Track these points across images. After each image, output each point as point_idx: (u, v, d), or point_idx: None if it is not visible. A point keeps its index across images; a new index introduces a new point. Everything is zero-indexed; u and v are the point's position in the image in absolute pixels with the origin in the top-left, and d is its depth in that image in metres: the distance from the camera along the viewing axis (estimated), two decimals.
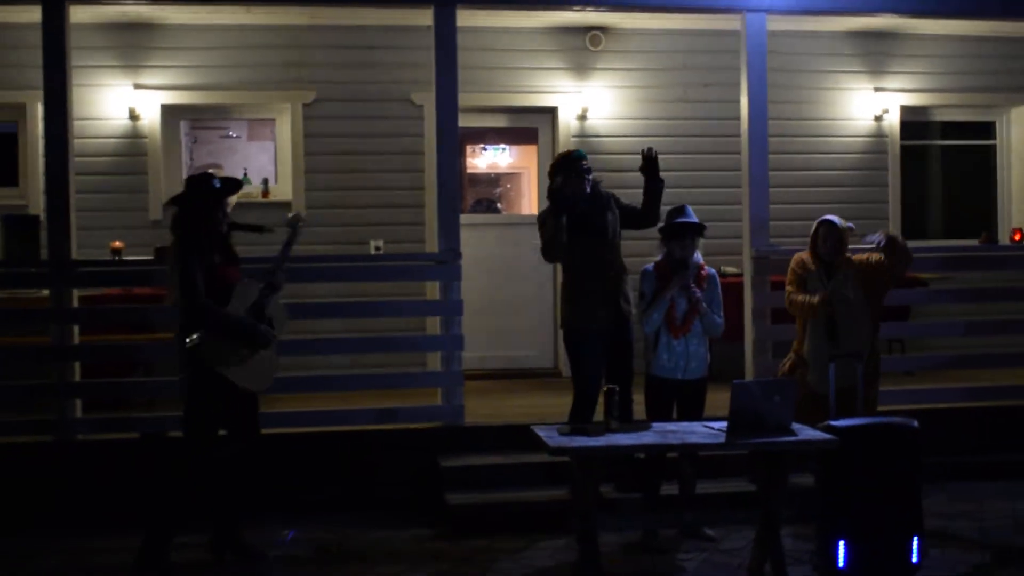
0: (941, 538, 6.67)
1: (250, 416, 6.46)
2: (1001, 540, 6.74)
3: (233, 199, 6.61)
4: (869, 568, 5.90)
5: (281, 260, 6.52)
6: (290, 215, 6.79)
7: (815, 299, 6.86)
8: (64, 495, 7.35)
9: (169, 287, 6.34)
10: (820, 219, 7.08)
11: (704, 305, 6.70)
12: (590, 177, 6.91)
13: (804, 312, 6.95)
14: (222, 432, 6.41)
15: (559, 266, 7.08)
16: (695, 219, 6.74)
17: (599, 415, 6.27)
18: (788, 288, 7.09)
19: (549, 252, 6.93)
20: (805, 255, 7.12)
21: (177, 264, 6.17)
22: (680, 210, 6.78)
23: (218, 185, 6.34)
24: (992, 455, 8.20)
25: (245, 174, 10.21)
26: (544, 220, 6.88)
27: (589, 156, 7.09)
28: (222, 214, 6.34)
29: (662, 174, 6.97)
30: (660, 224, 6.87)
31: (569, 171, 6.88)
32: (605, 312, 6.84)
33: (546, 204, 6.96)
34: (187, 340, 6.11)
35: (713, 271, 6.89)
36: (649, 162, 6.90)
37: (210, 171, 6.69)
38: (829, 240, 6.98)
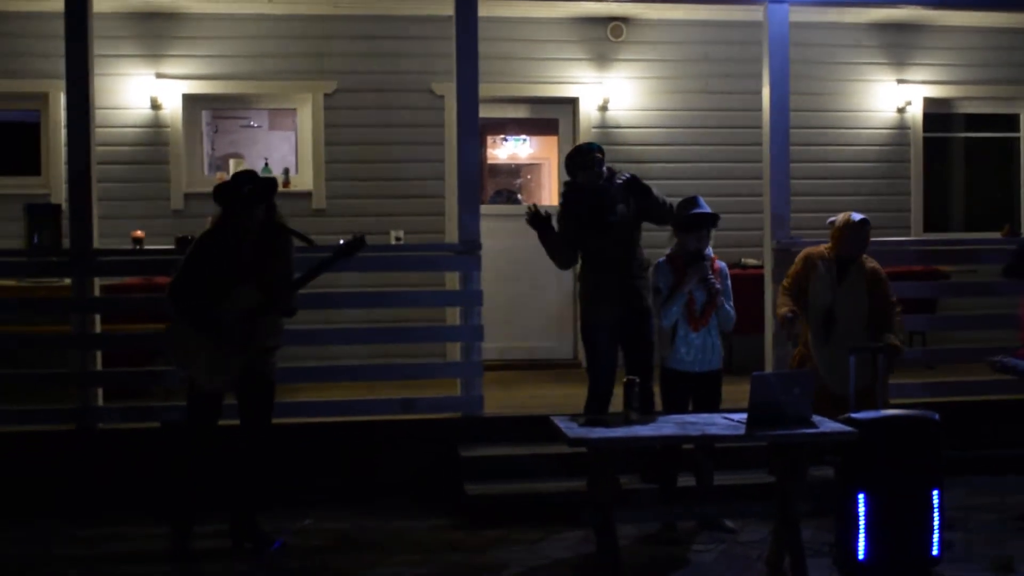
0: (962, 531, 6.64)
1: (256, 408, 6.45)
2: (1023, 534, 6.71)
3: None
4: (889, 561, 5.87)
5: (298, 282, 6.38)
6: (348, 237, 6.51)
7: (783, 311, 6.92)
8: (85, 483, 7.39)
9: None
10: (851, 216, 7.01)
11: (721, 298, 6.68)
12: (603, 169, 6.88)
13: (778, 312, 7.03)
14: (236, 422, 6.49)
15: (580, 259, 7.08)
16: (708, 209, 6.71)
17: (615, 407, 6.27)
18: (784, 282, 7.14)
19: (557, 263, 7.10)
20: (815, 251, 7.08)
21: (187, 251, 6.34)
22: (692, 201, 6.74)
23: (246, 191, 6.25)
24: (1014, 448, 8.16)
25: (266, 164, 10.25)
26: (561, 221, 6.93)
27: (610, 147, 7.08)
28: (247, 221, 6.26)
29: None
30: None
31: (581, 166, 6.88)
32: (618, 305, 6.83)
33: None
34: None
35: (723, 264, 6.85)
36: (630, 184, 6.80)
37: (248, 172, 6.45)
38: (858, 240, 6.96)
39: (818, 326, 6.97)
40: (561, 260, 7.05)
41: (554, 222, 6.98)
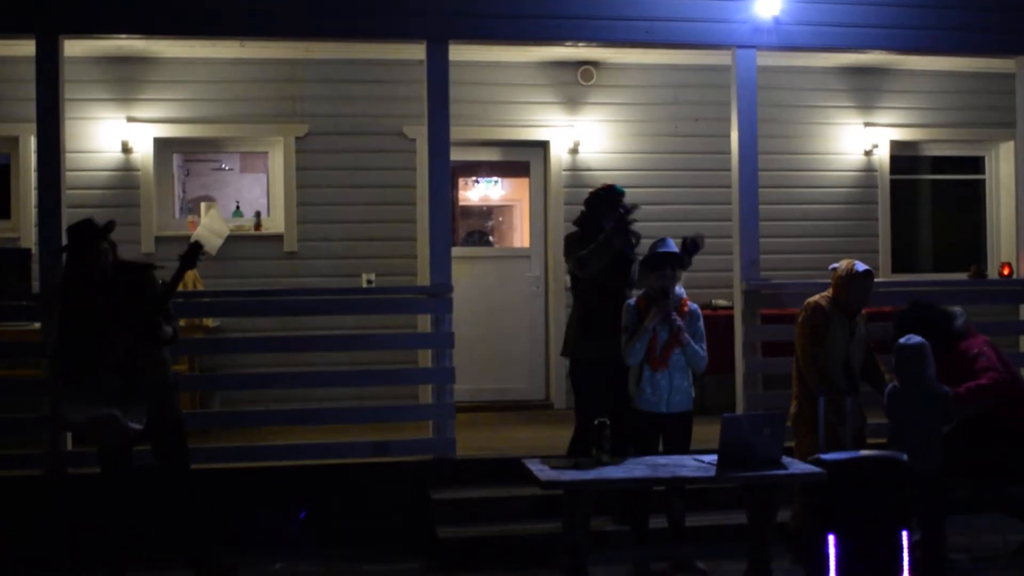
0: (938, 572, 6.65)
1: (172, 452, 6.37)
2: (993, 573, 6.73)
3: (218, 237, 6.52)
4: None
5: (160, 302, 6.20)
6: (183, 250, 6.36)
7: (817, 381, 6.78)
8: (55, 529, 7.31)
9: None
10: (855, 266, 6.93)
11: (686, 335, 6.65)
12: (626, 213, 6.99)
13: (811, 379, 6.82)
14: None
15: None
16: (675, 249, 6.74)
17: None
18: (803, 341, 6.90)
19: (588, 266, 6.99)
20: (822, 301, 6.95)
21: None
22: (661, 242, 6.79)
23: (89, 230, 6.22)
24: (984, 489, 8.17)
25: (237, 207, 10.25)
26: (581, 244, 7.00)
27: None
28: (93, 259, 6.18)
29: (652, 208, 7.04)
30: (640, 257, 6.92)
31: (608, 203, 7.02)
32: (613, 345, 6.86)
33: (569, 229, 7.20)
34: None
35: (695, 306, 6.87)
36: (690, 248, 6.90)
37: (90, 218, 6.42)
38: (865, 291, 6.95)
39: (840, 377, 6.88)
40: (594, 266, 6.99)
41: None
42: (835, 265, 7.05)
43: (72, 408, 6.09)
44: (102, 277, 6.21)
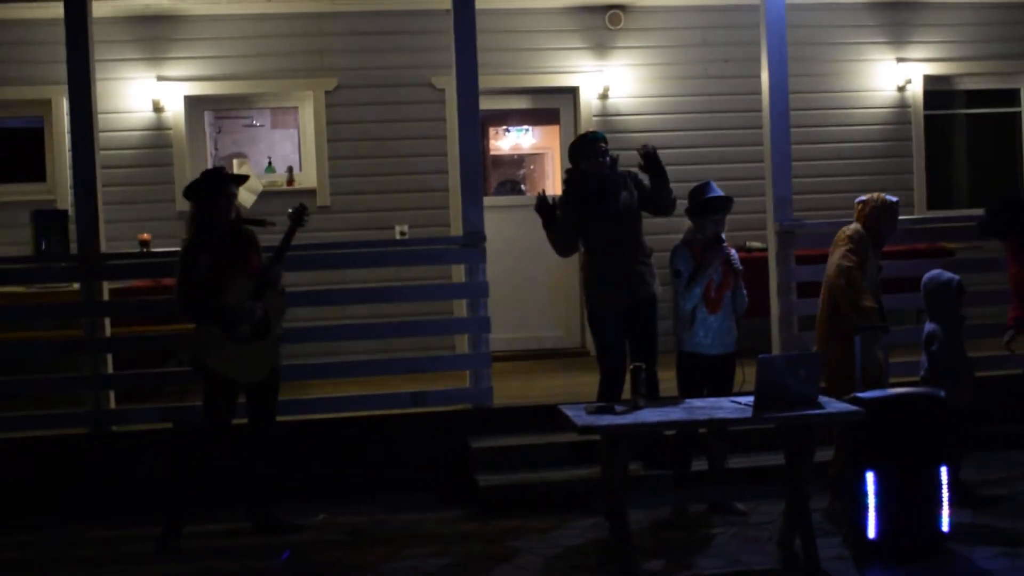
0: (972, 507, 6.67)
1: (270, 400, 6.73)
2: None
3: (252, 193, 6.77)
4: (899, 538, 5.92)
5: (278, 254, 6.68)
6: (292, 208, 6.83)
7: (869, 304, 6.50)
8: (99, 486, 7.44)
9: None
10: (885, 197, 6.87)
11: (740, 280, 6.76)
12: (607, 158, 6.94)
13: (857, 311, 6.49)
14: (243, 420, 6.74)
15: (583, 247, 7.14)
16: (720, 193, 6.77)
17: (627, 393, 6.32)
18: (853, 266, 6.57)
19: (557, 251, 7.20)
20: (860, 230, 6.80)
21: (180, 256, 6.56)
22: (705, 187, 6.80)
23: (224, 175, 6.68)
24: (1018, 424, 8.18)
25: (270, 162, 10.29)
26: (564, 206, 7.01)
27: (612, 135, 7.12)
28: (227, 203, 6.57)
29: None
30: (686, 205, 6.90)
31: (586, 153, 6.93)
32: (623, 292, 6.89)
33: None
34: None
35: (734, 251, 6.90)
36: (648, 159, 6.91)
37: (221, 166, 6.87)
38: (896, 221, 6.91)
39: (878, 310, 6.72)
40: (561, 247, 7.16)
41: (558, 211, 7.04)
42: (862, 198, 6.97)
43: (208, 347, 6.48)
44: (227, 225, 6.60)
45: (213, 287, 6.44)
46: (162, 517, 6.61)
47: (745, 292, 6.86)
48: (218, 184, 6.59)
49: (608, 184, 6.89)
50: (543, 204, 7.03)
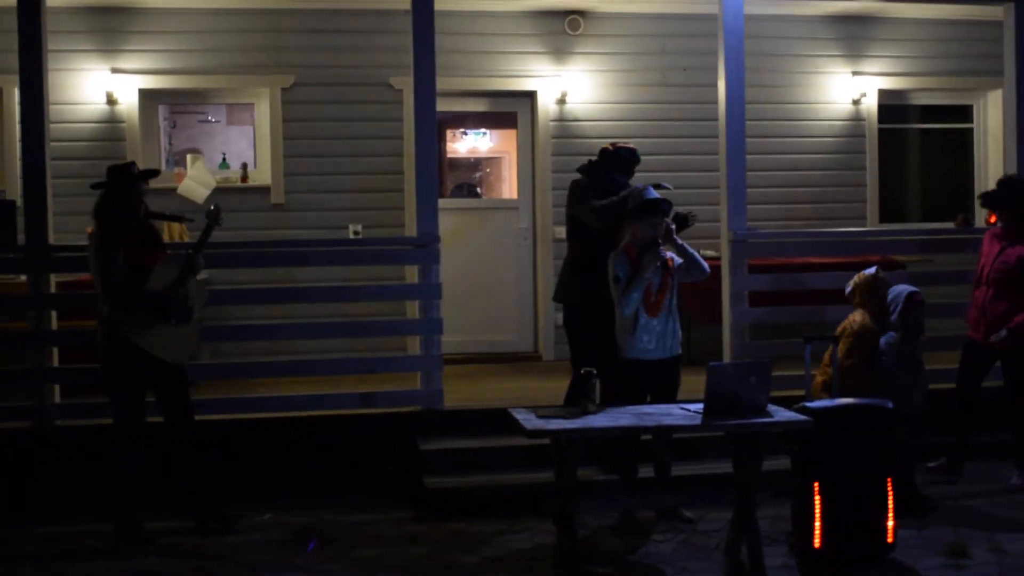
0: (919, 518, 6.72)
1: (175, 400, 6.71)
2: (979, 520, 6.80)
3: (205, 188, 6.74)
4: (845, 548, 5.95)
5: (199, 245, 6.75)
6: (211, 207, 6.91)
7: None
8: (42, 481, 7.34)
9: (92, 272, 6.58)
10: (865, 275, 7.09)
11: (681, 242, 6.75)
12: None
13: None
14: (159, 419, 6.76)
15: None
16: (658, 195, 6.74)
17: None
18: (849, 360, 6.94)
19: (605, 217, 7.00)
20: (865, 320, 7.00)
21: (95, 248, 6.47)
22: (644, 190, 6.80)
23: (135, 172, 6.67)
24: (977, 436, 8.23)
25: (224, 159, 10.21)
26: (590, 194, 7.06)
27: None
28: (136, 201, 6.60)
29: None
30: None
31: (624, 165, 7.15)
32: (605, 296, 6.89)
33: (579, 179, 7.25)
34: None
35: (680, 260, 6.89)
36: (680, 223, 7.04)
37: (131, 161, 7.06)
38: (885, 287, 7.10)
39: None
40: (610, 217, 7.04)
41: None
42: (848, 288, 7.16)
43: (136, 330, 6.45)
44: (135, 220, 6.60)
45: (133, 277, 6.45)
46: (112, 514, 6.59)
47: (702, 259, 6.84)
48: (128, 182, 6.60)
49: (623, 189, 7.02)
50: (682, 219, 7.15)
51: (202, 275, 7.18)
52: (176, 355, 6.59)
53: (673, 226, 6.75)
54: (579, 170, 7.28)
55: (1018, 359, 7.42)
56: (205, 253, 6.85)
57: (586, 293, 7.05)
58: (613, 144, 7.30)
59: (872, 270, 7.10)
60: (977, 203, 10.43)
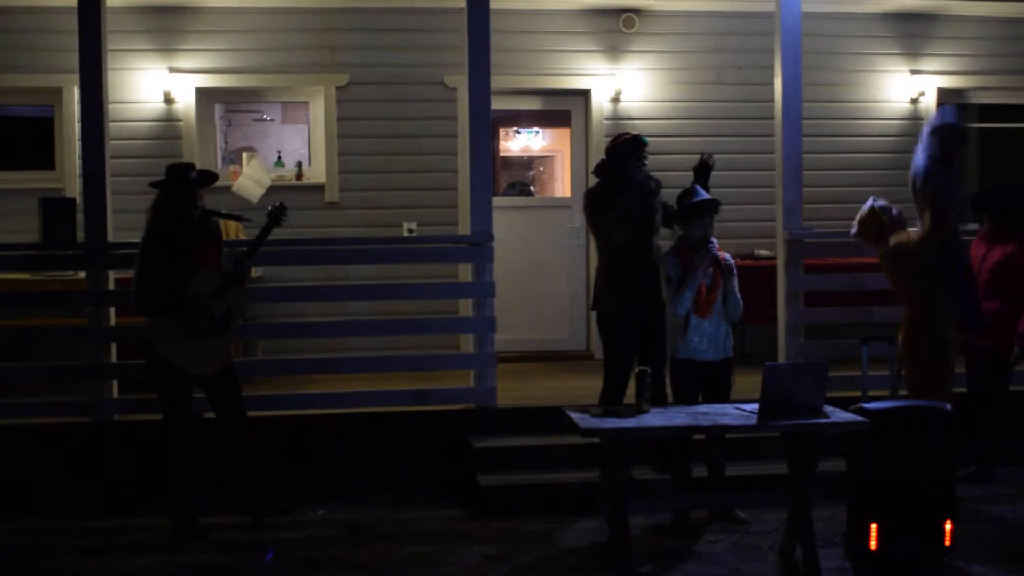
0: (978, 522, 6.64)
1: (224, 399, 6.75)
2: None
3: (260, 187, 6.77)
4: (900, 550, 5.89)
5: (252, 249, 6.77)
6: (274, 204, 6.90)
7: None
8: (100, 475, 7.43)
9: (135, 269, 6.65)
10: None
11: (733, 282, 6.71)
12: (646, 163, 6.94)
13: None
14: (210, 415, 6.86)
15: (593, 250, 7.10)
16: (708, 197, 6.76)
17: (629, 398, 6.29)
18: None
19: (614, 236, 6.92)
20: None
21: (141, 246, 6.56)
22: (692, 191, 6.81)
23: (192, 176, 6.65)
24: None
25: (279, 157, 10.28)
26: (603, 199, 6.95)
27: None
28: (189, 207, 6.59)
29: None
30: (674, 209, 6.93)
31: (630, 155, 6.93)
32: (639, 296, 6.87)
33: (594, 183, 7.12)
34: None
35: (728, 255, 6.85)
36: (703, 169, 6.99)
37: (190, 163, 6.99)
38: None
39: None
40: (623, 230, 6.93)
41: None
42: (854, 230, 7.03)
43: (163, 339, 6.50)
44: (190, 222, 6.61)
45: (174, 280, 6.47)
46: (166, 510, 6.66)
47: (739, 295, 6.80)
48: (185, 187, 6.60)
49: (645, 191, 6.92)
50: (705, 166, 7.08)
51: (256, 272, 7.22)
52: (202, 368, 6.60)
53: (729, 260, 6.74)
54: (594, 172, 7.20)
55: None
56: (261, 251, 6.87)
57: (615, 301, 6.97)
58: (615, 138, 7.14)
59: (868, 203, 6.92)
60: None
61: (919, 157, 6.66)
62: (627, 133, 7.14)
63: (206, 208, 6.76)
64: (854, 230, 6.99)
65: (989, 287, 7.31)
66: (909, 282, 6.69)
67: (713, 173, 7.13)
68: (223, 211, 7.26)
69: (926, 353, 6.56)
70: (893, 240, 6.72)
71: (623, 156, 6.95)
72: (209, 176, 6.84)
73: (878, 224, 6.83)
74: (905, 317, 6.70)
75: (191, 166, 6.79)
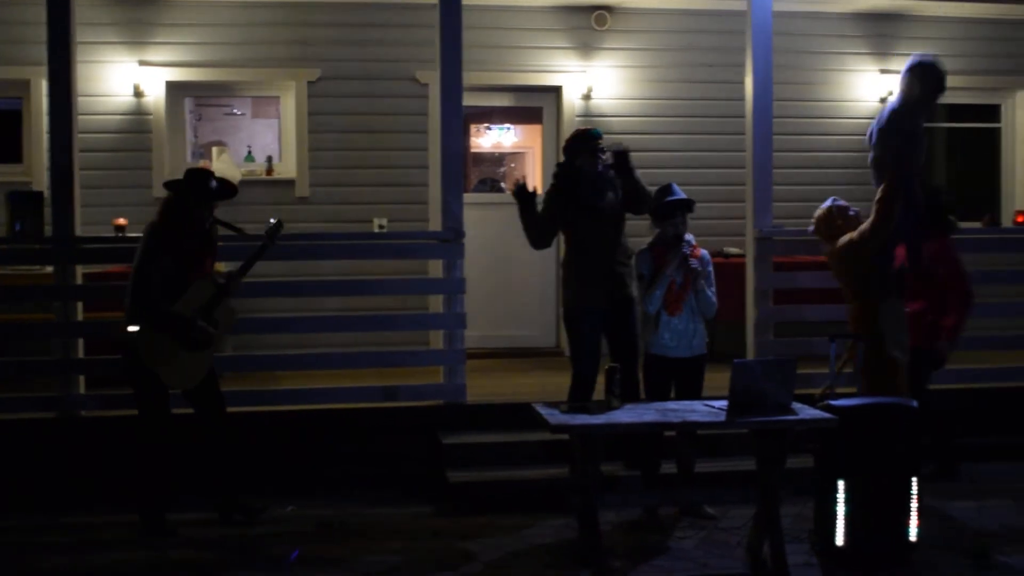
0: (941, 517, 6.70)
1: (205, 398, 6.71)
2: (1000, 521, 6.76)
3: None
4: (867, 546, 5.93)
5: (246, 266, 6.74)
6: (272, 220, 6.89)
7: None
8: (68, 471, 7.38)
9: (132, 269, 6.58)
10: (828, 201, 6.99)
11: (702, 281, 6.74)
12: (603, 156, 6.92)
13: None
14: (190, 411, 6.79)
15: (564, 246, 7.10)
16: (683, 195, 6.80)
17: (599, 395, 6.30)
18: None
19: (532, 241, 7.07)
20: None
21: (142, 249, 6.46)
22: (667, 189, 6.84)
23: (214, 186, 6.56)
24: (997, 437, 8.23)
25: (249, 152, 10.24)
26: (554, 200, 6.95)
27: None
28: (208, 213, 6.56)
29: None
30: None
31: (582, 149, 6.90)
32: (603, 292, 6.87)
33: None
34: (128, 329, 6.45)
35: (705, 252, 6.90)
36: (618, 157, 6.88)
37: (210, 171, 6.78)
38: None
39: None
40: (537, 238, 7.05)
41: (539, 201, 7.01)
42: (811, 228, 7.03)
43: (150, 349, 6.43)
44: (200, 230, 6.56)
45: (172, 287, 6.42)
46: (137, 506, 6.61)
47: (713, 294, 6.83)
48: (204, 196, 6.51)
49: (599, 182, 6.88)
50: (522, 191, 6.99)
51: (225, 267, 7.17)
52: (185, 382, 6.58)
53: (696, 264, 6.76)
54: (553, 174, 7.15)
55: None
56: (232, 246, 6.82)
57: (578, 297, 6.98)
58: (570, 135, 7.13)
59: (827, 203, 6.93)
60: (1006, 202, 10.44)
61: (890, 101, 6.68)
62: (580, 128, 7.15)
63: (217, 219, 6.71)
64: (811, 228, 7.02)
65: (914, 287, 7.29)
66: (852, 281, 6.73)
67: (684, 170, 7.16)
68: (232, 223, 7.02)
69: (872, 353, 6.60)
70: (842, 240, 6.74)
71: (575, 151, 6.95)
72: (230, 189, 6.75)
73: (834, 224, 6.85)
74: (850, 317, 6.76)
75: (211, 174, 6.64)
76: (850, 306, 6.77)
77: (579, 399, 6.66)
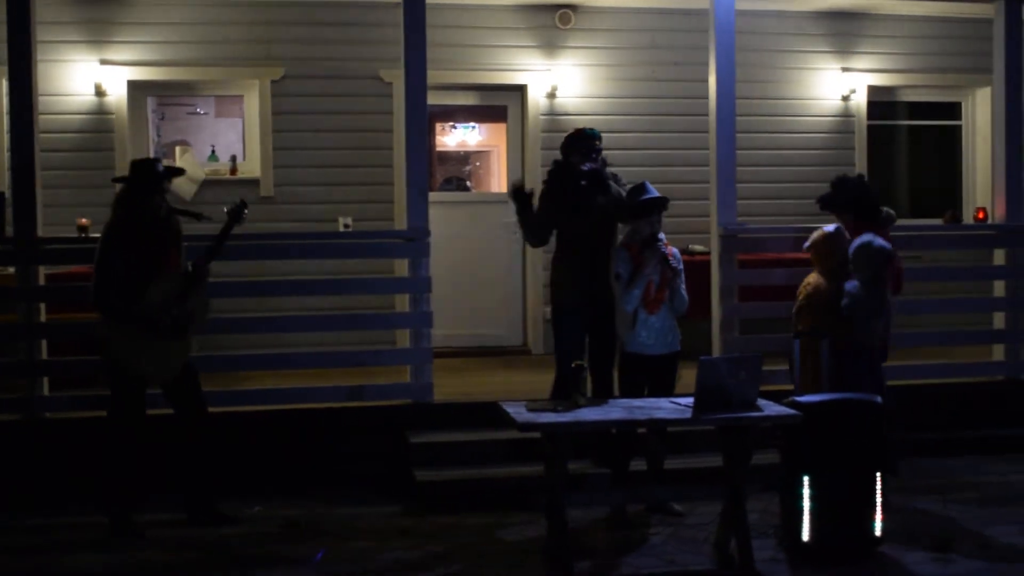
0: (905, 512, 6.76)
1: (183, 397, 6.66)
2: (964, 515, 6.82)
3: (194, 182, 6.68)
4: (832, 541, 5.98)
5: (213, 251, 6.62)
6: (231, 203, 6.78)
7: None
8: (32, 473, 7.31)
9: (94, 269, 6.51)
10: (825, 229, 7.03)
11: (678, 280, 6.77)
12: (595, 156, 6.96)
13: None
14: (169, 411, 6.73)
15: (527, 245, 7.14)
16: (657, 194, 6.81)
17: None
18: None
19: (532, 240, 7.24)
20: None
21: (101, 247, 6.42)
22: (642, 188, 6.84)
23: (160, 170, 6.51)
24: (961, 432, 8.30)
25: (213, 151, 10.18)
26: (548, 200, 7.03)
27: (558, 135, 7.13)
28: (160, 199, 6.48)
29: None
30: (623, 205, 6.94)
31: (575, 149, 6.97)
32: (588, 291, 6.89)
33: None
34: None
35: (676, 250, 6.93)
36: (591, 180, 6.92)
37: (156, 157, 6.73)
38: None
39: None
40: (535, 237, 7.17)
41: (534, 200, 7.07)
42: (807, 244, 7.07)
43: (122, 344, 6.38)
44: (155, 218, 6.46)
45: (133, 283, 6.36)
46: (104, 508, 6.56)
47: (684, 291, 6.86)
48: (152, 180, 6.46)
49: (591, 185, 6.91)
50: (519, 192, 7.03)
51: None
52: (160, 373, 6.52)
53: (677, 264, 6.80)
54: (548, 172, 7.23)
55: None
56: (193, 247, 6.79)
57: (567, 296, 7.02)
58: (572, 132, 7.21)
59: (831, 228, 6.99)
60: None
61: None
62: (578, 128, 7.20)
63: (170, 206, 6.64)
64: (807, 244, 7.07)
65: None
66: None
67: (648, 168, 7.18)
68: (188, 209, 7.02)
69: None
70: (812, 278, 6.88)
71: (567, 151, 7.01)
72: (176, 170, 6.75)
73: (823, 253, 6.90)
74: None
75: (158, 160, 6.62)
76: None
77: (562, 396, 6.65)
